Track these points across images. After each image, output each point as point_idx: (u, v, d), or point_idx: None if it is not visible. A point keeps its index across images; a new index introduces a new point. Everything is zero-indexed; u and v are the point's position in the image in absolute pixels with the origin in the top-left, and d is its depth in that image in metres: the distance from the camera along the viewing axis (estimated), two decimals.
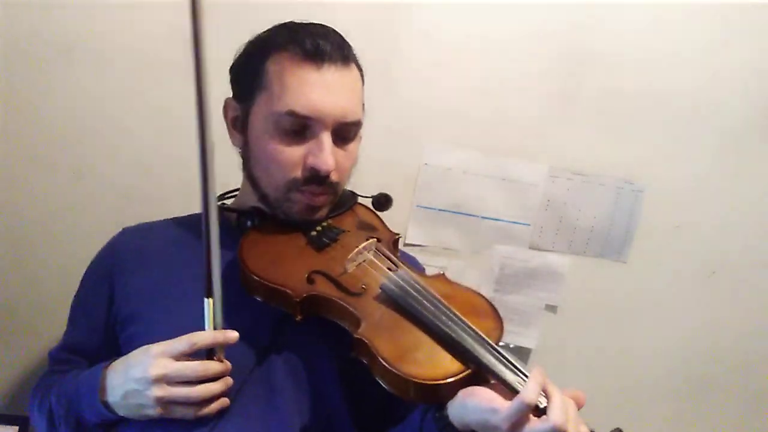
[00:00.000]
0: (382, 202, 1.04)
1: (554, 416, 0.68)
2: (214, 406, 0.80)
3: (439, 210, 1.46)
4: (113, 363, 0.84)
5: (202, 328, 0.80)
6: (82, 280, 1.01)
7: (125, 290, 0.94)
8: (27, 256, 1.41)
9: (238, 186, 1.07)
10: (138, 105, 1.38)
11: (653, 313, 1.56)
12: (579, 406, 0.75)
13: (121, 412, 0.82)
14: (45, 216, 1.40)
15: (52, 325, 1.44)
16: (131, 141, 1.39)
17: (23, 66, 1.34)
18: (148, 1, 1.33)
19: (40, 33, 1.33)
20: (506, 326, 0.95)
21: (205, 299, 0.79)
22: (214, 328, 0.80)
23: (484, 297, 0.91)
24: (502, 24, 1.42)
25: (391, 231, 1.03)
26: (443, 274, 0.95)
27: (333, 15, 1.37)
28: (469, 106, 1.44)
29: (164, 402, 0.77)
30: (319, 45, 0.88)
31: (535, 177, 1.48)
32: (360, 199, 1.08)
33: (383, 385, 0.78)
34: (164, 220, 1.05)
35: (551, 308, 1.53)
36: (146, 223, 1.04)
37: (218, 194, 1.05)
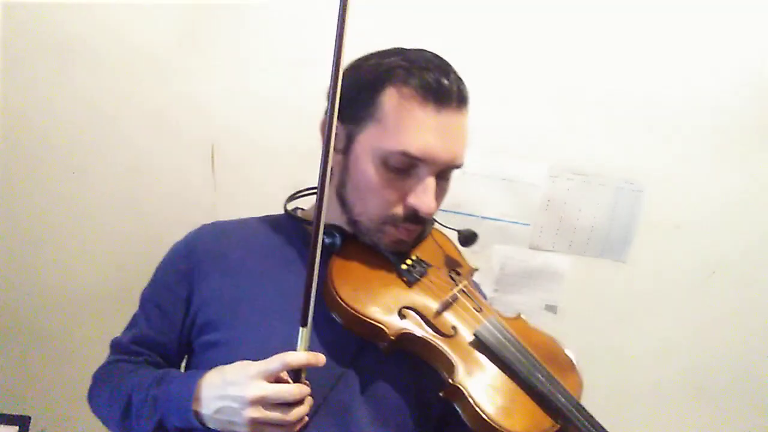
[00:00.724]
0: (468, 239, 1.03)
1: None
2: (298, 426, 0.80)
3: (439, 210, 1.46)
4: (209, 375, 0.83)
5: (288, 347, 0.80)
6: (156, 275, 0.99)
7: (205, 294, 0.93)
8: (27, 256, 1.41)
9: (306, 186, 1.04)
10: (137, 105, 1.38)
11: (653, 313, 1.56)
12: None
13: (211, 425, 0.82)
14: (44, 215, 1.40)
15: (53, 325, 1.44)
16: (130, 141, 1.39)
17: (23, 66, 1.34)
18: (148, 2, 1.34)
19: (40, 33, 1.33)
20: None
21: (300, 328, 0.79)
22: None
23: (561, 345, 0.93)
24: (502, 24, 1.42)
25: (469, 265, 1.02)
26: (521, 316, 0.96)
27: (330, 16, 1.37)
28: (469, 107, 1.44)
29: (258, 422, 0.78)
30: (442, 84, 0.85)
31: (535, 177, 1.48)
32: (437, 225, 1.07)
33: (473, 429, 0.79)
34: (241, 219, 1.03)
35: (551, 308, 1.53)
36: (222, 222, 1.02)
37: (290, 194, 1.03)
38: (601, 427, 0.79)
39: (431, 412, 0.91)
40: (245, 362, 0.81)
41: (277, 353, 0.79)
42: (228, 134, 1.41)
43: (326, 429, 0.84)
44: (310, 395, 0.81)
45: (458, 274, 0.97)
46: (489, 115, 1.44)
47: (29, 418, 1.36)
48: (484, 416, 0.77)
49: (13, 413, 1.38)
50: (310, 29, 1.36)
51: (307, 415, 0.81)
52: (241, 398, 0.77)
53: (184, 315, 0.94)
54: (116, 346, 1.00)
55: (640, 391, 1.59)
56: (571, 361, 0.90)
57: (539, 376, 0.82)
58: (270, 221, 1.02)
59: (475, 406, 0.78)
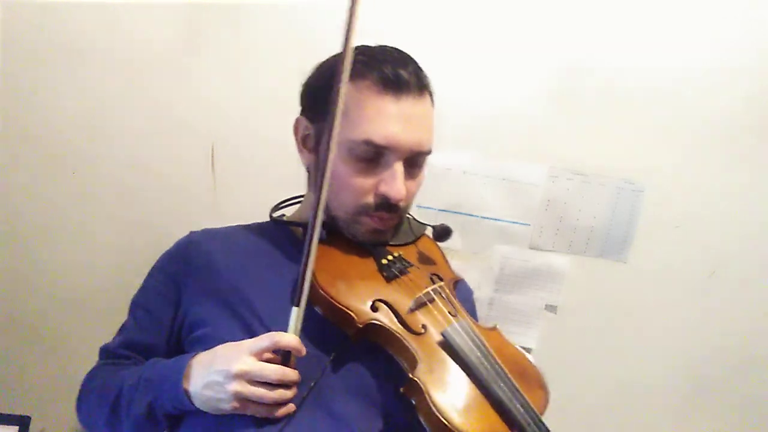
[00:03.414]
0: (442, 234, 1.06)
1: None
2: (283, 411, 0.82)
3: (439, 210, 1.46)
4: (200, 354, 0.86)
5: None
6: (146, 281, 1.03)
7: (193, 294, 0.95)
8: (27, 257, 1.41)
9: (292, 195, 1.08)
10: (137, 105, 1.38)
11: (653, 313, 1.56)
12: None
13: (197, 403, 0.83)
14: (44, 215, 1.40)
15: (53, 325, 1.44)
16: (130, 141, 1.39)
17: (24, 66, 1.34)
18: (149, 2, 1.34)
19: (40, 33, 1.33)
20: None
21: (293, 307, 0.81)
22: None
23: (532, 361, 0.93)
24: (502, 24, 1.42)
25: (453, 272, 1.05)
26: (496, 327, 0.97)
27: (329, 16, 1.37)
28: (469, 106, 1.44)
29: (240, 398, 0.80)
30: (399, 74, 0.89)
31: (535, 177, 1.48)
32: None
33: (426, 427, 0.80)
34: (229, 226, 1.07)
35: (551, 308, 1.53)
36: (212, 228, 1.06)
37: (276, 203, 1.07)
38: None
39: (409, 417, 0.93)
40: (237, 342, 0.83)
41: None
42: (228, 133, 1.41)
43: (314, 419, 0.85)
44: (297, 384, 0.83)
45: (439, 278, 0.98)
46: (489, 115, 1.44)
47: (29, 418, 1.36)
48: (437, 413, 0.77)
49: (13, 413, 1.38)
50: (311, 29, 1.36)
51: (294, 403, 0.83)
52: (227, 371, 0.80)
53: (173, 316, 0.97)
54: (105, 351, 1.03)
55: (640, 390, 1.59)
56: (540, 377, 0.90)
57: (501, 384, 0.83)
58: (256, 227, 1.06)
59: (430, 402, 0.78)
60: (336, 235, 0.95)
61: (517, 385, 0.84)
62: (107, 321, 1.46)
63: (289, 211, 1.08)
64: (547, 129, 1.46)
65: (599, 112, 1.47)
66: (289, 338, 0.81)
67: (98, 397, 0.94)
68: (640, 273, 1.53)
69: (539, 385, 0.89)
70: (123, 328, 1.03)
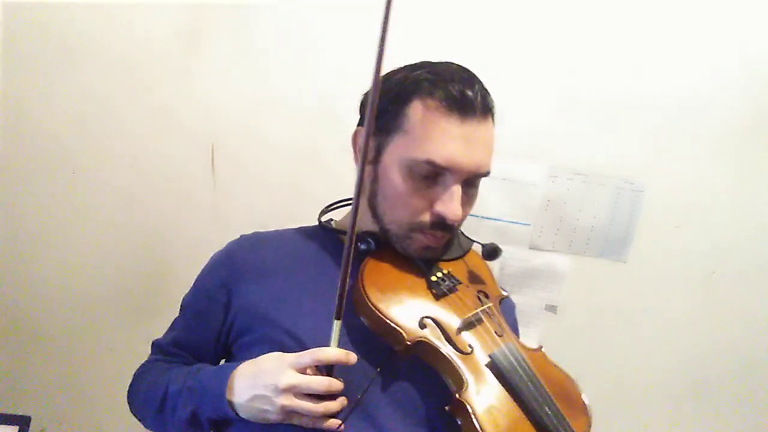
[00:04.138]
0: (491, 253, 1.05)
1: None
2: (329, 423, 0.83)
3: None
4: (242, 366, 0.86)
5: (320, 344, 0.83)
6: (197, 283, 1.03)
7: (243, 299, 0.96)
8: (27, 257, 1.41)
9: (339, 198, 1.07)
10: (138, 105, 1.38)
11: (653, 312, 1.56)
12: None
13: (243, 414, 0.84)
14: (45, 215, 1.40)
15: (53, 325, 1.44)
16: (131, 141, 1.39)
17: (24, 66, 1.34)
18: (149, 3, 1.34)
19: (40, 33, 1.33)
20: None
21: (335, 321, 0.82)
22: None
23: (576, 385, 0.93)
24: (503, 24, 1.42)
25: (499, 289, 1.04)
26: (541, 348, 0.97)
27: (329, 16, 1.37)
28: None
29: (288, 410, 0.81)
30: (466, 96, 0.88)
31: (535, 177, 1.48)
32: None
33: None
34: (278, 230, 1.07)
35: (551, 308, 1.53)
36: (261, 232, 1.06)
37: (326, 206, 1.07)
38: None
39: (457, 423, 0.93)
40: (278, 353, 0.84)
41: (310, 348, 0.82)
42: (228, 133, 1.41)
43: (362, 427, 0.85)
44: (343, 395, 0.83)
45: (486, 296, 0.98)
46: None
47: (29, 418, 1.36)
48: None
49: (13, 413, 1.38)
50: (311, 29, 1.36)
51: (340, 418, 0.83)
52: (274, 386, 0.80)
53: (222, 320, 0.97)
54: (156, 346, 1.04)
55: (640, 389, 1.59)
56: (584, 403, 0.90)
57: (546, 408, 0.83)
58: (305, 231, 1.06)
59: (476, 424, 0.79)
60: (386, 247, 0.95)
61: (561, 411, 0.84)
62: (107, 321, 1.47)
63: (337, 214, 1.08)
64: (547, 129, 1.46)
65: (599, 112, 1.47)
66: (331, 353, 0.81)
67: (146, 394, 0.96)
68: (640, 273, 1.53)
69: (582, 410, 0.89)
70: (174, 326, 1.04)
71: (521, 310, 1.53)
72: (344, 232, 1.01)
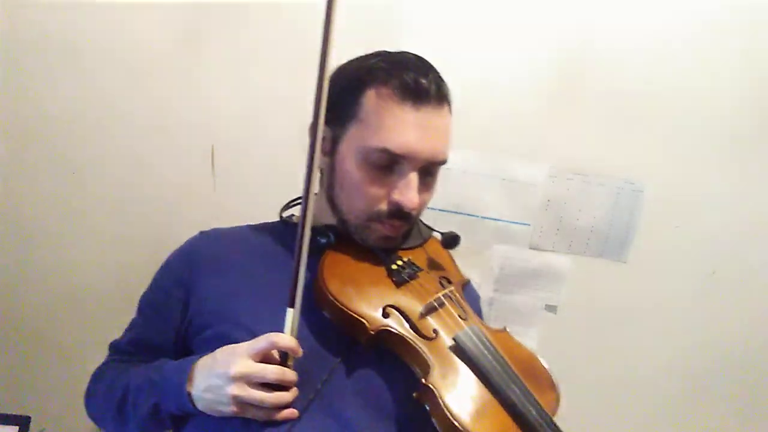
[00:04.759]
0: (451, 241, 1.05)
1: None
2: (284, 414, 0.82)
3: (439, 210, 1.46)
4: (203, 358, 0.86)
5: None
6: (155, 280, 1.02)
7: (201, 295, 0.95)
8: (27, 257, 1.41)
9: (292, 194, 1.07)
10: (138, 105, 1.38)
11: (653, 312, 1.56)
12: None
13: (200, 406, 0.84)
14: (45, 215, 1.40)
15: (53, 325, 1.44)
16: (131, 141, 1.39)
17: (24, 66, 1.34)
18: (149, 3, 1.34)
19: (41, 34, 1.33)
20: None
21: (288, 308, 0.81)
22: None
23: (543, 362, 0.93)
24: (502, 24, 1.42)
25: (461, 274, 1.04)
26: (506, 329, 0.97)
27: (324, 12, 1.37)
28: (469, 106, 1.44)
29: (239, 401, 0.80)
30: (420, 84, 0.88)
31: (535, 177, 1.48)
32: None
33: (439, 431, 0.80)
34: (238, 226, 1.06)
35: (551, 308, 1.53)
36: (222, 228, 1.05)
37: (286, 202, 1.06)
38: None
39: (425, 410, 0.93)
40: (234, 344, 0.83)
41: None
42: (228, 135, 1.41)
43: (320, 423, 0.84)
44: (300, 386, 0.82)
45: (449, 282, 0.98)
46: (489, 115, 1.44)
47: (29, 418, 1.36)
48: (452, 419, 0.77)
49: (13, 413, 1.38)
50: (311, 29, 1.36)
51: (300, 409, 0.82)
52: (225, 374, 0.80)
53: (181, 317, 0.96)
54: (114, 347, 1.03)
55: (640, 390, 1.59)
56: (551, 378, 0.91)
57: (514, 387, 0.83)
58: (265, 227, 1.05)
59: (444, 408, 0.78)
60: (345, 239, 0.95)
61: (529, 388, 0.84)
62: (108, 321, 1.46)
63: (299, 211, 1.08)
64: (547, 129, 1.46)
65: (599, 112, 1.47)
66: (286, 340, 0.81)
67: (105, 394, 0.94)
68: (640, 273, 1.53)
69: (550, 386, 0.89)
70: (132, 326, 1.03)
71: (521, 310, 1.54)
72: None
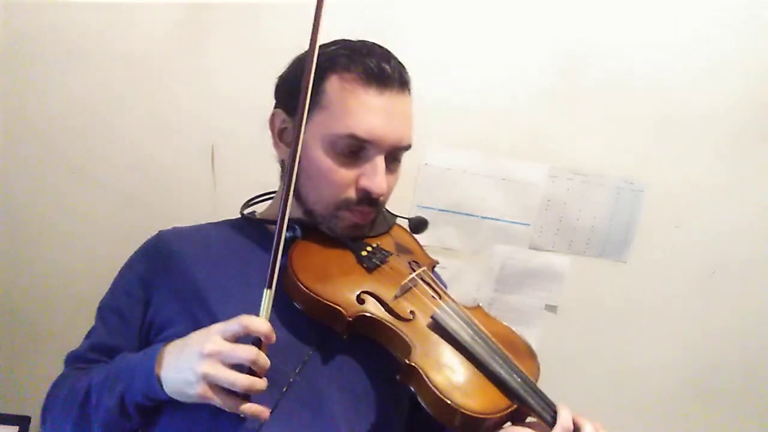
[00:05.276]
0: (418, 226, 1.06)
1: None
2: (253, 410, 0.77)
3: (439, 210, 1.46)
4: (173, 342, 0.83)
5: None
6: (115, 283, 1.01)
7: (162, 295, 0.93)
8: (28, 257, 1.41)
9: (265, 191, 1.07)
10: (137, 105, 1.38)
11: (653, 312, 1.56)
12: None
13: (168, 389, 0.80)
14: (45, 215, 1.40)
15: (53, 325, 1.44)
16: (130, 141, 1.39)
17: (23, 66, 1.34)
18: (149, 2, 1.34)
19: (40, 33, 1.33)
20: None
21: (266, 289, 0.79)
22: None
23: (519, 334, 0.94)
24: (502, 24, 1.42)
25: (429, 257, 1.05)
26: (480, 306, 0.97)
27: (328, 15, 1.37)
28: (469, 106, 1.44)
29: (209, 380, 0.75)
30: (383, 69, 0.88)
31: (535, 177, 1.48)
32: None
33: (428, 411, 0.80)
34: (198, 225, 1.06)
35: (551, 308, 1.53)
36: (182, 227, 1.04)
37: (246, 200, 1.07)
38: (553, 407, 0.81)
39: (403, 398, 0.93)
40: (207, 327, 0.80)
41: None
42: (228, 134, 1.41)
43: (297, 411, 0.84)
44: (273, 379, 0.80)
45: (418, 264, 0.99)
46: (489, 115, 1.44)
47: (29, 418, 1.36)
48: (440, 395, 0.78)
49: (13, 413, 1.38)
50: (309, 29, 1.36)
51: (272, 402, 0.81)
52: (198, 351, 0.76)
53: (142, 317, 0.94)
54: (73, 357, 0.99)
55: (640, 390, 1.59)
56: (529, 347, 0.92)
57: (496, 358, 0.84)
58: (226, 224, 1.04)
59: (431, 385, 0.78)
60: (311, 231, 0.95)
61: (510, 357, 0.85)
62: None
63: (261, 208, 1.08)
64: (547, 129, 1.46)
65: (599, 112, 1.47)
66: (260, 323, 0.77)
67: (65, 400, 0.90)
68: (640, 273, 1.53)
69: (529, 354, 0.91)
70: (91, 333, 1.00)
71: (521, 310, 1.54)
72: (269, 221, 1.00)
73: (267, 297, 0.79)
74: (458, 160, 1.44)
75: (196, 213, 1.41)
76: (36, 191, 1.38)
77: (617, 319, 1.55)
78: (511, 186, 1.47)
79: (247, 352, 0.76)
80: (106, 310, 0.99)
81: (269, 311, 0.79)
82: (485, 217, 1.48)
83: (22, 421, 1.36)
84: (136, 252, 1.01)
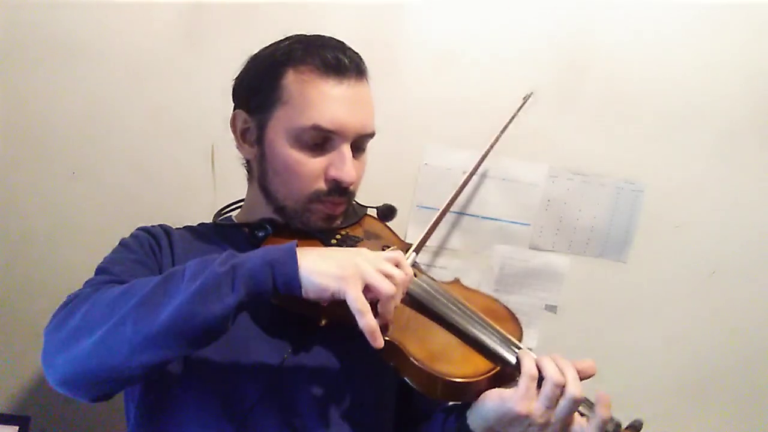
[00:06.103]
0: (387, 213, 1.08)
1: (549, 372, 0.78)
2: (375, 326, 0.74)
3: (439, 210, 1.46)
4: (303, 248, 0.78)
5: (245, 334, 0.83)
6: (118, 253, 0.97)
7: (166, 268, 0.94)
8: (27, 257, 1.41)
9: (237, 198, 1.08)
10: (137, 105, 1.38)
11: (653, 313, 1.56)
12: (587, 375, 0.89)
13: (304, 278, 0.74)
14: (44, 216, 1.40)
15: None
16: (131, 141, 1.39)
17: (23, 66, 1.34)
18: (149, 2, 1.34)
19: (40, 33, 1.33)
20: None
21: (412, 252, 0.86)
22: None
23: (501, 302, 0.94)
24: (502, 24, 1.42)
25: (403, 241, 1.06)
26: (458, 279, 0.98)
27: (330, 16, 1.37)
28: (469, 106, 1.44)
29: (362, 274, 0.74)
30: (339, 59, 0.89)
31: (535, 177, 1.48)
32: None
33: (412, 385, 0.80)
34: (189, 226, 1.07)
35: (551, 308, 1.53)
36: (176, 228, 1.06)
37: (218, 209, 1.08)
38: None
39: (390, 381, 0.94)
40: None
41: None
42: (228, 134, 1.40)
43: (282, 400, 0.85)
44: (255, 375, 0.83)
45: (389, 247, 0.99)
46: (489, 115, 1.44)
47: (29, 418, 1.36)
48: (420, 366, 0.78)
49: (13, 413, 1.38)
50: (310, 29, 1.36)
51: (256, 395, 0.83)
52: (355, 252, 0.79)
53: (159, 269, 0.93)
54: (87, 284, 0.91)
55: (641, 390, 1.59)
56: (510, 312, 0.93)
57: (474, 322, 0.84)
58: (205, 227, 1.06)
59: (411, 358, 0.79)
60: (279, 229, 0.96)
61: (488, 321, 0.85)
62: None
63: (235, 213, 1.10)
64: (547, 129, 1.46)
65: (599, 112, 1.47)
66: (406, 269, 0.80)
67: (118, 298, 0.79)
68: (640, 273, 1.53)
69: (510, 318, 0.91)
70: (105, 270, 0.94)
71: (521, 310, 1.53)
72: (245, 225, 1.01)
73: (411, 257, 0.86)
74: (458, 160, 1.44)
75: (196, 213, 1.41)
76: (36, 191, 1.39)
77: (617, 319, 1.55)
78: (511, 186, 1.47)
79: (395, 268, 0.78)
80: (114, 263, 0.93)
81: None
82: (485, 217, 1.48)
83: (22, 421, 1.36)
84: (143, 228, 1.01)
